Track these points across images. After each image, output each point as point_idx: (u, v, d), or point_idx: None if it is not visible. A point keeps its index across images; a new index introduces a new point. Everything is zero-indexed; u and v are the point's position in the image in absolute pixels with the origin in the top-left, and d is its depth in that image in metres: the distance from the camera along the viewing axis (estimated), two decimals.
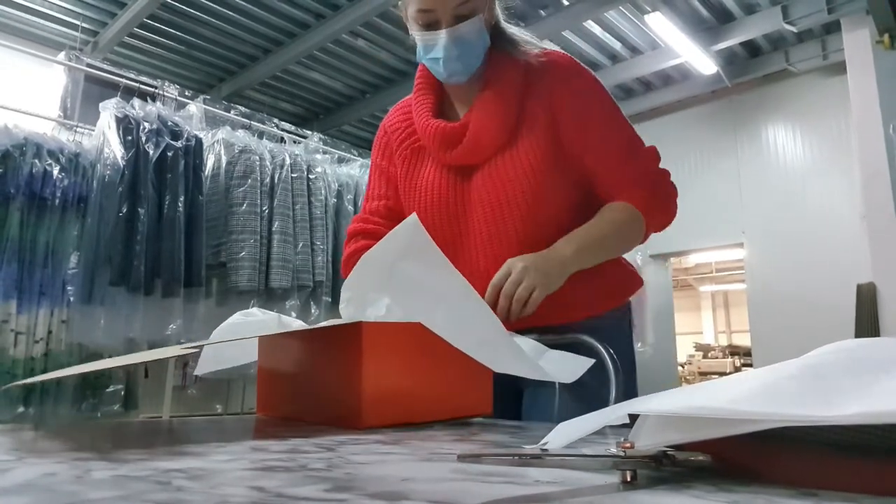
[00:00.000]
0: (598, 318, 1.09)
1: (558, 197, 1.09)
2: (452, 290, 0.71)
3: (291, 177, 3.66)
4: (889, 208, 4.39)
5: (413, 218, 0.72)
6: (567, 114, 1.09)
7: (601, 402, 0.65)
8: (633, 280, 1.17)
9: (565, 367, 0.82)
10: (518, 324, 0.98)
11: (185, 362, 3.49)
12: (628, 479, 0.37)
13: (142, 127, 3.08)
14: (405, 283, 0.73)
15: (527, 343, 0.89)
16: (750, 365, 9.11)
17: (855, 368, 0.37)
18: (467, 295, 0.70)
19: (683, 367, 10.24)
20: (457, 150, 1.10)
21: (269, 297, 3.50)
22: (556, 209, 1.08)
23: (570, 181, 1.10)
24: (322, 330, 0.77)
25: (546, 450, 0.41)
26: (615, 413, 0.42)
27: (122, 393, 3.18)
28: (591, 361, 0.85)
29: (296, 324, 0.91)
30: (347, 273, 1.07)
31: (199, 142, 3.32)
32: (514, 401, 1.09)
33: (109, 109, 3.09)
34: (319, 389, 0.76)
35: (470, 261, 1.10)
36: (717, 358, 10.64)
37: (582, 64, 1.14)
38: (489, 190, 1.08)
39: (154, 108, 3.20)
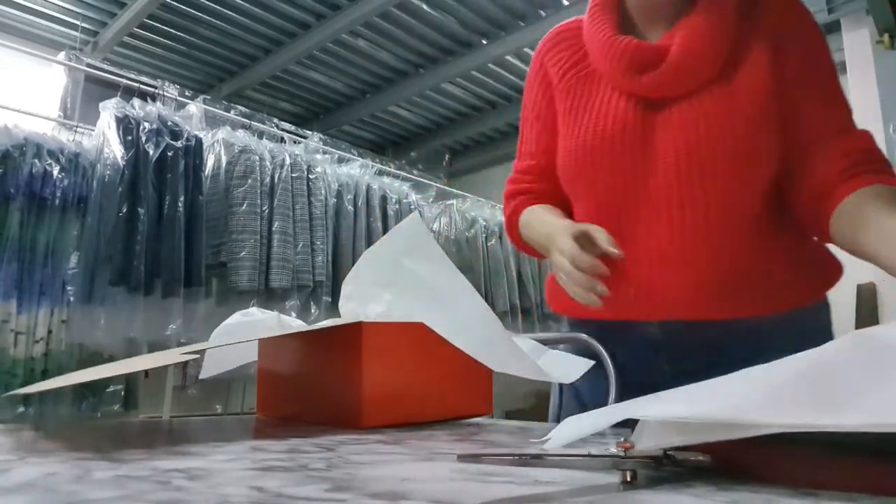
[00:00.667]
0: (802, 310, 0.88)
1: (770, 158, 0.84)
2: (453, 289, 0.71)
3: (291, 177, 3.66)
4: None
5: (415, 215, 0.72)
6: (794, 56, 0.85)
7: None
8: (835, 264, 0.92)
9: (565, 367, 0.82)
10: (689, 312, 0.83)
11: (184, 362, 3.48)
12: (628, 479, 0.37)
13: (142, 127, 3.07)
14: (407, 281, 0.73)
15: (527, 343, 0.89)
16: None
17: (858, 368, 0.37)
18: (468, 294, 0.70)
19: None
20: (650, 75, 0.85)
21: (269, 297, 3.49)
22: (765, 172, 0.84)
23: (781, 145, 0.84)
24: (322, 330, 0.77)
25: (546, 450, 0.41)
26: (616, 413, 0.41)
27: (122, 393, 3.18)
28: (591, 363, 0.85)
29: (295, 323, 0.91)
30: (513, 235, 1.05)
31: (199, 142, 3.32)
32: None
33: (109, 109, 3.09)
34: (319, 389, 0.76)
35: (645, 227, 0.85)
36: None
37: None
38: (689, 133, 0.83)
39: (154, 108, 3.20)
